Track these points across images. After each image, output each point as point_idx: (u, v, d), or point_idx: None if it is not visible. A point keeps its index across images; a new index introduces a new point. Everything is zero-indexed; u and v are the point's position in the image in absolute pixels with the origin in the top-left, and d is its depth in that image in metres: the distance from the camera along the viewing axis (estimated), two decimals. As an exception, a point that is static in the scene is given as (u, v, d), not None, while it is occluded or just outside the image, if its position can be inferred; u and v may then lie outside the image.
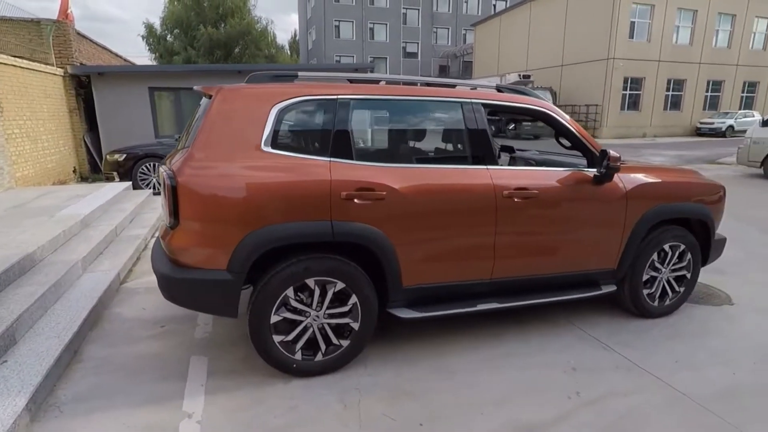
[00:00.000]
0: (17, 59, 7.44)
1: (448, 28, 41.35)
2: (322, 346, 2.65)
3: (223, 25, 33.78)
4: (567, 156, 3.71)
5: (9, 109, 7.06)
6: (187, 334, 3.17)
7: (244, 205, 2.38)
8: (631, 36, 23.31)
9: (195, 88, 2.68)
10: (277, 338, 2.55)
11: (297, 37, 50.93)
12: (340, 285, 2.58)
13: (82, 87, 10.09)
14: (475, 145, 2.84)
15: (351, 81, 2.79)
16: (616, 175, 3.12)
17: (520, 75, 25.59)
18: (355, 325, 2.67)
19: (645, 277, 3.37)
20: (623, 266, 3.27)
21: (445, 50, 40.08)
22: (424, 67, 40.68)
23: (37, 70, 8.20)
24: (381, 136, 2.76)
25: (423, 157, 2.91)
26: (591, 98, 24.24)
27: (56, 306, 3.27)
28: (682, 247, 3.41)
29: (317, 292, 2.56)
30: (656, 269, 3.41)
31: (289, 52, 55.11)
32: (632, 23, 22.99)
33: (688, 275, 3.53)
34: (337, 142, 2.57)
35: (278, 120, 2.51)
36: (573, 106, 24.87)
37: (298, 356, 2.62)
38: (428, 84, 2.92)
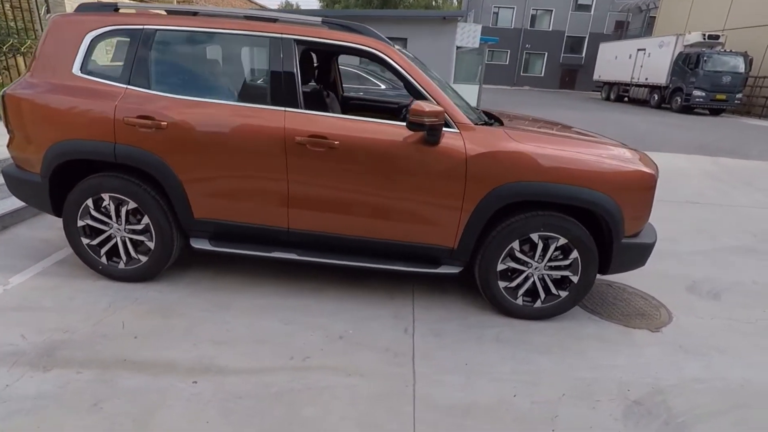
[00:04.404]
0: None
1: (637, -24, 34.99)
2: (123, 257, 2.98)
3: (382, -27, 34.44)
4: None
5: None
6: (87, 231, 3.80)
7: (47, 121, 2.75)
8: None
9: (49, 15, 3.07)
10: (84, 240, 2.95)
11: (465, -14, 48.95)
12: (132, 204, 2.83)
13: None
14: (276, 83, 2.69)
15: (168, 12, 2.86)
16: (461, 135, 2.64)
17: (704, 35, 20.79)
18: (150, 245, 2.92)
19: (501, 267, 2.84)
20: (465, 247, 2.80)
21: (626, 3, 34.19)
22: (597, 23, 35.52)
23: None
24: (184, 68, 2.79)
25: (220, 92, 2.86)
26: (804, 69, 18.53)
27: (23, 192, 4.20)
28: (562, 240, 2.75)
29: (112, 207, 2.86)
30: (522, 262, 2.83)
31: (456, 2, 53.65)
32: None
33: (575, 279, 2.84)
34: (136, 70, 2.73)
35: (91, 47, 2.77)
36: (774, 79, 19.43)
37: (104, 260, 2.99)
38: (247, 17, 2.81)
